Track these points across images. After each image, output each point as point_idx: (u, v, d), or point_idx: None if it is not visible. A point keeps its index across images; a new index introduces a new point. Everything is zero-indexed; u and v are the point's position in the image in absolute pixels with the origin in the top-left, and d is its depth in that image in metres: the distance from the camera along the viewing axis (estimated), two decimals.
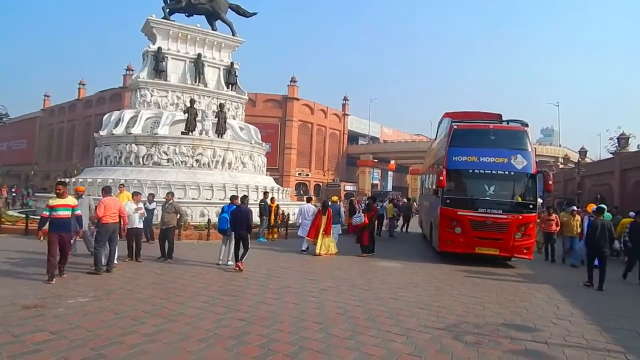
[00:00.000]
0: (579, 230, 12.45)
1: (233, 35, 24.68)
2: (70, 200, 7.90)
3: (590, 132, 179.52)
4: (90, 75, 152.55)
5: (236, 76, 24.34)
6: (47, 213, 7.52)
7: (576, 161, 30.84)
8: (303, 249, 12.51)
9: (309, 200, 15.03)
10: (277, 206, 16.22)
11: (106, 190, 8.97)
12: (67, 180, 17.47)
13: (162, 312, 5.88)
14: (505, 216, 11.04)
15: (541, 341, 5.42)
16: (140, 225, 10.11)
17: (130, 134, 19.89)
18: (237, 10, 25.25)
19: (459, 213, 11.22)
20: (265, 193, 16.84)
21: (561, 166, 41.06)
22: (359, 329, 5.51)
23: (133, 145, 19.58)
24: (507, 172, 11.24)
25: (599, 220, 9.39)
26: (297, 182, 55.86)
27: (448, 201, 11.53)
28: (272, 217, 15.48)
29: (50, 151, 63.48)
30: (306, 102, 57.37)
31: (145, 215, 10.66)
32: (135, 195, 10.53)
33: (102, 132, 21.28)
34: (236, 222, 9.56)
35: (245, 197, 10.38)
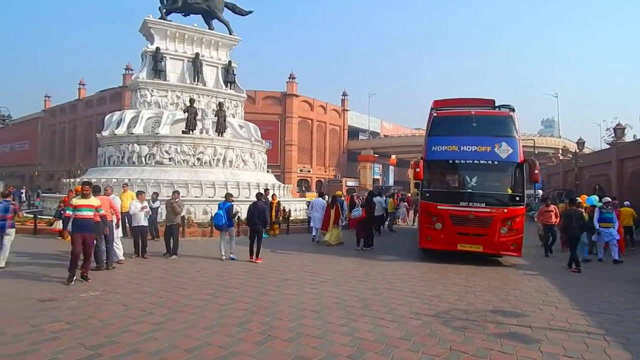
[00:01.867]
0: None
1: (230, 34, 24.93)
2: (94, 200, 7.84)
3: (591, 122, 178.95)
4: (90, 75, 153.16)
5: (234, 74, 24.63)
6: (70, 212, 7.48)
7: (574, 152, 31.08)
8: (314, 236, 14.14)
9: (320, 195, 16.40)
10: (278, 202, 16.59)
11: (95, 190, 8.86)
12: (92, 181, 17.91)
13: (169, 303, 6.25)
14: (489, 210, 10.26)
15: (525, 325, 5.74)
16: (146, 223, 10.49)
17: (132, 134, 20.23)
18: (234, 9, 25.55)
19: (438, 207, 10.58)
20: (266, 190, 17.17)
21: (561, 157, 41.27)
22: (354, 317, 5.85)
23: (135, 145, 19.92)
24: (490, 162, 10.51)
25: (571, 209, 10.60)
26: (299, 178, 56.21)
27: (428, 195, 10.94)
28: (273, 213, 15.87)
29: (53, 152, 63.93)
30: (305, 99, 57.62)
31: (150, 213, 11.02)
32: (140, 194, 10.87)
33: (105, 133, 21.63)
34: (252, 217, 10.19)
35: (260, 195, 11.13)
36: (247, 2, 25.96)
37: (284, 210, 17.21)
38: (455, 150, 10.71)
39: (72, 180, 21.49)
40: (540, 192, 41.26)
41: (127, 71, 53.10)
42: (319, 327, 5.36)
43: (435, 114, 11.40)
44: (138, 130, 20.32)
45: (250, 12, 26.20)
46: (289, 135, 54.67)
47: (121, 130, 20.83)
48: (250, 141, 23.05)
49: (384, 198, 17.94)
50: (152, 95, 22.00)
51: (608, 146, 27.60)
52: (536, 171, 10.40)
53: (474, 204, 10.35)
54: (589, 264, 10.95)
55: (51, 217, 14.86)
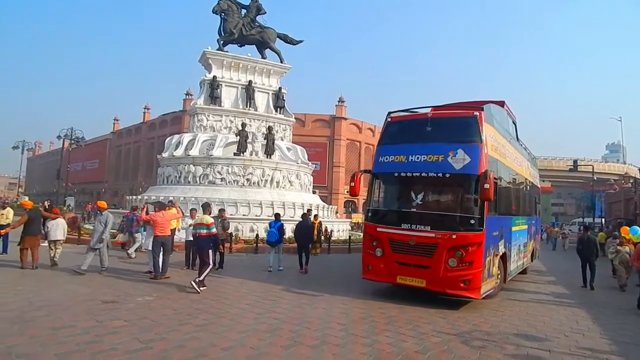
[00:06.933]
0: None
1: (281, 62, 26.43)
2: None
3: None
4: (154, 99, 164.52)
5: (284, 100, 25.96)
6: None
7: (634, 179, 29.43)
8: None
9: None
10: (320, 223, 17.20)
11: (159, 206, 10.41)
12: (152, 198, 19.72)
13: (211, 310, 7.00)
14: (433, 234, 8.07)
15: (545, 349, 5.89)
16: None
17: (189, 155, 21.87)
18: (285, 39, 27.13)
19: (378, 229, 8.81)
20: (309, 211, 17.87)
21: (624, 185, 38.94)
22: (377, 330, 6.29)
23: (191, 165, 21.50)
24: (440, 174, 8.30)
25: (586, 235, 12.01)
26: (346, 199, 56.74)
27: (370, 214, 9.36)
28: (315, 232, 16.48)
29: (119, 170, 68.99)
30: (354, 121, 58.53)
31: None
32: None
33: (165, 154, 23.50)
34: (300, 234, 11.74)
35: (308, 212, 12.90)
36: (298, 32, 27.44)
37: (325, 230, 17.79)
38: (403, 161, 8.78)
39: (134, 197, 23.41)
40: (603, 220, 39.00)
41: (187, 96, 56.75)
42: (343, 338, 5.85)
43: (389, 119, 9.55)
44: (194, 152, 21.95)
45: (301, 41, 27.64)
46: (337, 157, 55.59)
47: (179, 152, 22.58)
48: (297, 163, 24.04)
49: None
50: (207, 120, 23.74)
51: None
52: (486, 185, 7.62)
53: (417, 226, 8.32)
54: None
55: (115, 231, 16.32)
